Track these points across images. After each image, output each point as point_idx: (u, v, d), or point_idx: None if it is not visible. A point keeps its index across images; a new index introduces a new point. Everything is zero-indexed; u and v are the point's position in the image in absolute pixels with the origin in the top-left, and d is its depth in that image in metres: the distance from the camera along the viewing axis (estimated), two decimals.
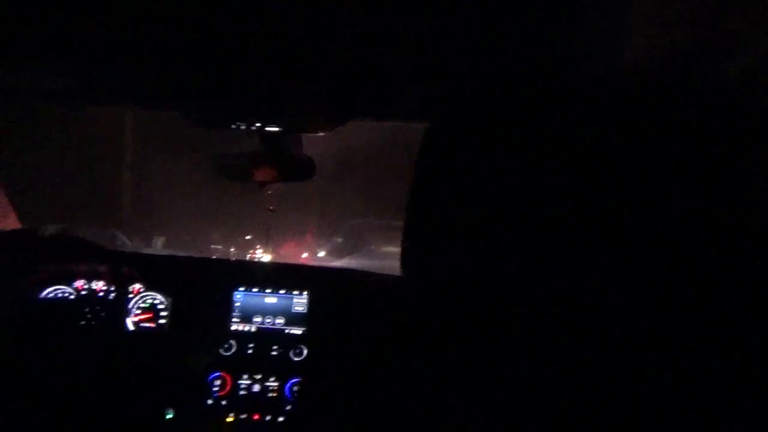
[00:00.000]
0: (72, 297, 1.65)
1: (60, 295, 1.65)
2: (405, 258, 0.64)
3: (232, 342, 1.67)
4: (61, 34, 1.12)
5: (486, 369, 0.59)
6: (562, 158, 0.53)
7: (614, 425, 0.53)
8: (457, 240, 0.57)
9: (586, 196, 0.51)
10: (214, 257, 3.09)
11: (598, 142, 0.52)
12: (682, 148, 0.51)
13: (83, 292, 1.66)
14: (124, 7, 1.02)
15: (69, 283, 1.66)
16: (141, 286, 1.70)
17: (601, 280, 0.51)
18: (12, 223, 1.72)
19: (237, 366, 1.65)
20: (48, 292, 1.64)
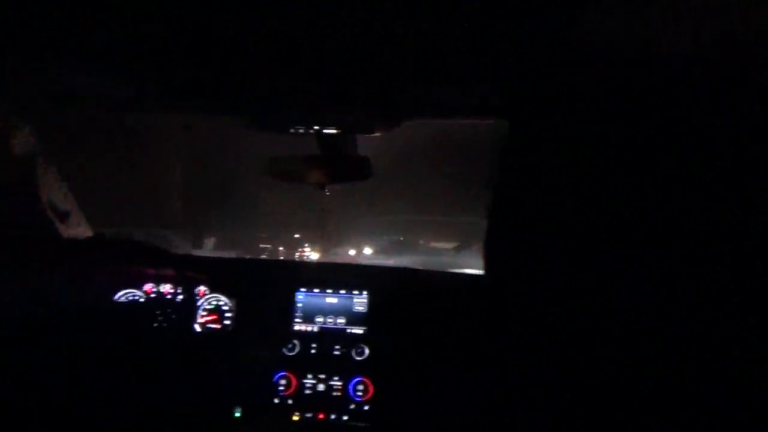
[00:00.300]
0: (142, 300, 1.74)
1: (131, 298, 1.75)
2: (490, 259, 0.65)
3: (296, 342, 1.72)
4: (124, 43, 1.18)
5: (559, 368, 0.59)
6: (656, 155, 0.52)
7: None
8: (544, 240, 0.57)
9: (685, 195, 0.50)
10: (264, 257, 3.17)
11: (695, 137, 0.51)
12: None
13: (152, 295, 1.75)
14: (187, 18, 1.07)
15: (139, 287, 1.75)
16: (206, 288, 1.78)
17: (707, 282, 0.50)
18: (83, 230, 1.83)
19: (301, 366, 1.70)
20: (120, 295, 1.74)
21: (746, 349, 0.49)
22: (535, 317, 0.61)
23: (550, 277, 0.58)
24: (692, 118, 0.52)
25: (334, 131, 1.59)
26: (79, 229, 1.80)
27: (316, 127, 1.58)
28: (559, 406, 0.59)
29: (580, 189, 0.54)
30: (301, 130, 1.59)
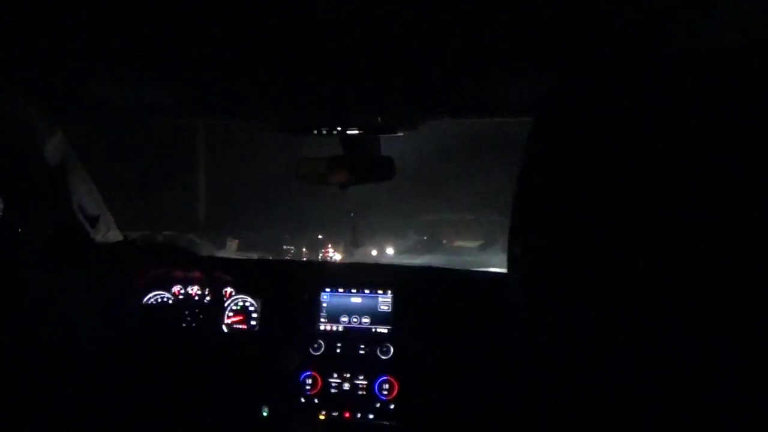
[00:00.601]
0: (171, 301, 1.80)
1: (160, 300, 1.81)
2: (513, 260, 0.65)
3: (321, 342, 1.76)
4: (155, 50, 1.24)
5: (585, 370, 0.59)
6: (683, 154, 0.51)
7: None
8: (569, 241, 0.57)
9: (713, 194, 0.49)
10: (287, 257, 3.22)
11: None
12: None
13: (180, 297, 1.81)
14: (213, 22, 1.12)
15: (168, 289, 1.81)
16: (232, 289, 1.83)
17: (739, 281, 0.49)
18: (113, 234, 1.90)
19: (326, 365, 1.74)
20: (149, 297, 1.81)
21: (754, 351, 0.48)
22: (555, 318, 0.61)
23: (571, 277, 0.58)
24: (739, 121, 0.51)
25: (356, 132, 1.62)
26: (109, 233, 1.87)
27: (339, 129, 1.62)
28: (585, 409, 0.59)
29: (605, 188, 0.54)
30: (325, 132, 1.63)
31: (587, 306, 0.57)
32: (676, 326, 0.51)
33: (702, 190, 0.49)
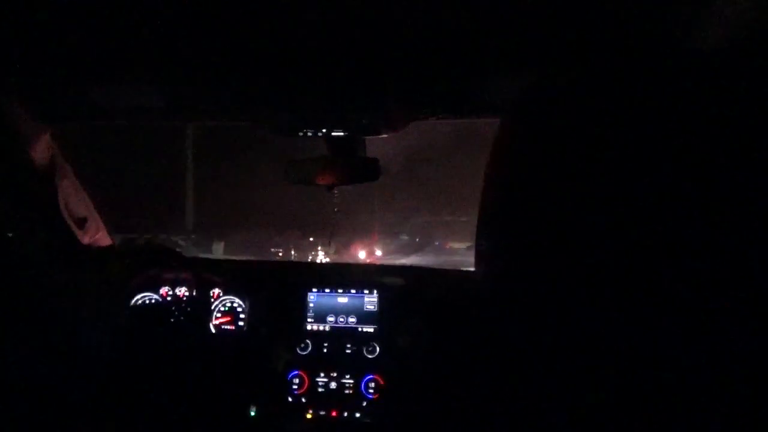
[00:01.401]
0: (159, 303, 1.87)
1: (148, 301, 1.88)
2: (478, 256, 0.69)
3: (308, 341, 1.83)
4: (144, 53, 1.30)
5: (558, 366, 0.61)
6: (650, 154, 0.52)
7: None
8: (532, 239, 0.59)
9: (678, 199, 0.51)
10: (285, 260, 3.29)
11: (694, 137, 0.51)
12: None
13: (168, 298, 1.88)
14: (199, 25, 1.19)
15: (156, 290, 1.88)
16: (220, 290, 1.90)
17: (697, 285, 0.51)
18: (102, 236, 1.96)
19: (313, 364, 1.80)
20: (137, 299, 1.87)
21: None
22: (516, 312, 0.64)
23: (531, 274, 0.59)
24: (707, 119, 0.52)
25: (342, 134, 1.70)
26: (98, 235, 1.93)
27: (324, 130, 1.69)
28: (567, 407, 0.60)
29: (566, 189, 0.55)
30: (310, 134, 1.71)
31: (546, 301, 0.59)
32: (632, 321, 0.53)
33: (663, 191, 0.51)
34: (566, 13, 1.12)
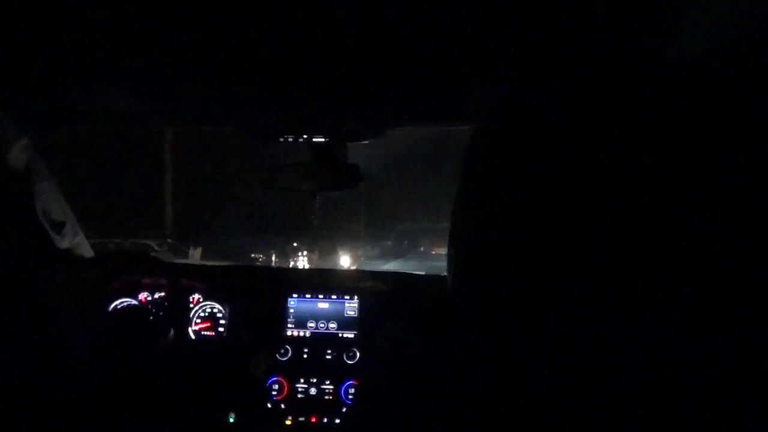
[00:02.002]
0: (138, 309, 1.90)
1: (127, 307, 1.89)
2: (450, 262, 0.72)
3: (288, 347, 1.87)
4: (123, 58, 1.33)
5: (531, 372, 0.64)
6: (622, 164, 0.54)
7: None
8: (504, 247, 0.61)
9: (650, 205, 0.53)
10: (265, 265, 3.32)
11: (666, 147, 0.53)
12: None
13: (147, 304, 1.91)
14: (182, 36, 1.22)
15: (134, 296, 1.91)
16: (200, 296, 1.94)
17: (668, 299, 0.53)
18: (81, 241, 1.98)
19: (293, 370, 1.84)
20: (116, 304, 1.90)
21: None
22: (496, 323, 0.65)
23: (509, 285, 0.61)
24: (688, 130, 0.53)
25: (323, 140, 1.75)
26: (76, 240, 1.95)
27: (305, 136, 1.74)
28: (540, 412, 0.61)
29: (534, 201, 0.57)
30: (291, 139, 1.75)
31: (514, 307, 0.61)
32: (599, 327, 0.55)
33: (635, 203, 0.53)
34: (545, 22, 1.16)
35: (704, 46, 1.09)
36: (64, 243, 1.89)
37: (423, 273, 2.13)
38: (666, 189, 0.53)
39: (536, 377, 0.64)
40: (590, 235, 0.55)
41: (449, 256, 0.74)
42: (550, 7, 1.08)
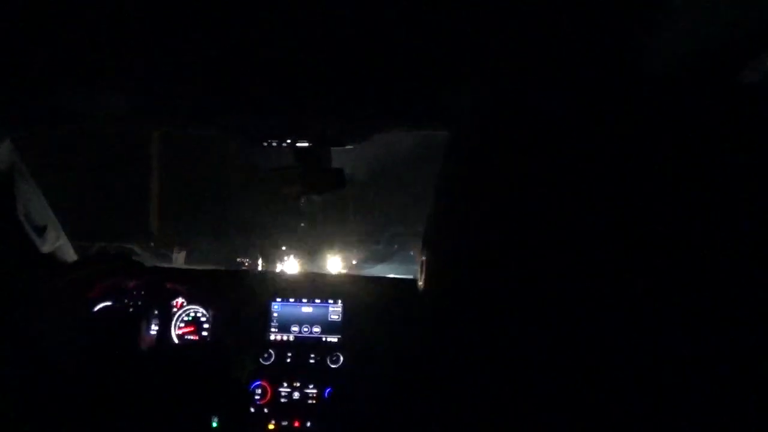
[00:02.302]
0: (121, 312, 1.91)
1: (109, 311, 1.91)
2: (422, 266, 0.74)
3: (271, 351, 1.89)
4: (112, 61, 1.35)
5: (507, 375, 0.64)
6: (595, 170, 0.55)
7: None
8: (475, 252, 0.62)
9: (620, 212, 0.54)
10: (249, 269, 3.32)
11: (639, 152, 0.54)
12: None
13: (130, 308, 1.92)
14: (166, 37, 1.24)
15: (117, 299, 1.92)
16: (184, 300, 1.96)
17: (636, 306, 0.54)
18: (63, 245, 1.99)
19: (277, 375, 1.86)
20: (98, 308, 1.91)
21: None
22: (449, 320, 0.67)
23: (479, 289, 0.62)
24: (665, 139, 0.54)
25: (306, 144, 1.77)
26: (58, 243, 1.96)
27: (289, 141, 1.76)
28: (518, 415, 0.62)
29: (515, 202, 0.58)
30: (275, 144, 1.78)
31: (485, 313, 0.62)
32: (574, 330, 0.56)
33: (608, 207, 0.53)
34: (522, 29, 1.19)
35: (674, 61, 1.12)
36: (45, 246, 1.90)
37: (410, 277, 2.15)
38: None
39: (508, 381, 0.65)
40: (563, 237, 0.56)
41: (422, 260, 0.75)
42: (530, 11, 1.10)
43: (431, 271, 0.73)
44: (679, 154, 0.54)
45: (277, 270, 2.46)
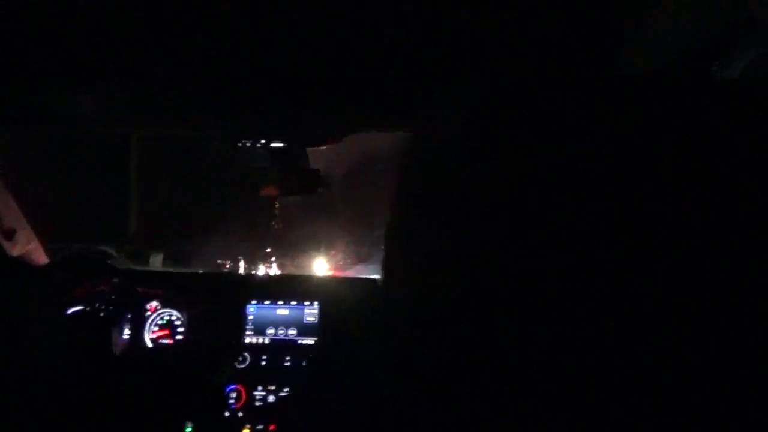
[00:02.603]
0: (93, 316, 1.90)
1: (82, 315, 1.89)
2: (383, 264, 0.80)
3: (246, 354, 1.89)
4: (85, 61, 1.35)
5: (480, 374, 0.71)
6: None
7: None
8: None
9: (587, 213, 0.61)
10: (224, 272, 3.32)
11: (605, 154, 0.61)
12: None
13: (102, 312, 1.91)
14: (141, 38, 1.25)
15: (90, 303, 1.91)
16: (157, 303, 1.95)
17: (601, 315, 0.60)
18: (35, 248, 1.98)
19: (252, 378, 1.86)
20: (71, 312, 1.90)
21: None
22: (408, 322, 0.72)
23: (442, 289, 0.67)
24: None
25: (280, 145, 1.78)
26: (29, 246, 1.94)
27: (263, 141, 1.77)
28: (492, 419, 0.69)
29: (475, 201, 0.62)
30: (249, 144, 1.78)
31: (446, 316, 0.66)
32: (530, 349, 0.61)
33: (581, 214, 0.52)
34: (496, 31, 1.20)
35: (649, 62, 1.13)
36: (15, 250, 1.89)
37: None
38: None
39: (502, 381, 0.65)
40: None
41: (383, 260, 0.77)
42: (520, 9, 1.11)
43: (394, 271, 0.74)
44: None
45: (260, 272, 2.46)
